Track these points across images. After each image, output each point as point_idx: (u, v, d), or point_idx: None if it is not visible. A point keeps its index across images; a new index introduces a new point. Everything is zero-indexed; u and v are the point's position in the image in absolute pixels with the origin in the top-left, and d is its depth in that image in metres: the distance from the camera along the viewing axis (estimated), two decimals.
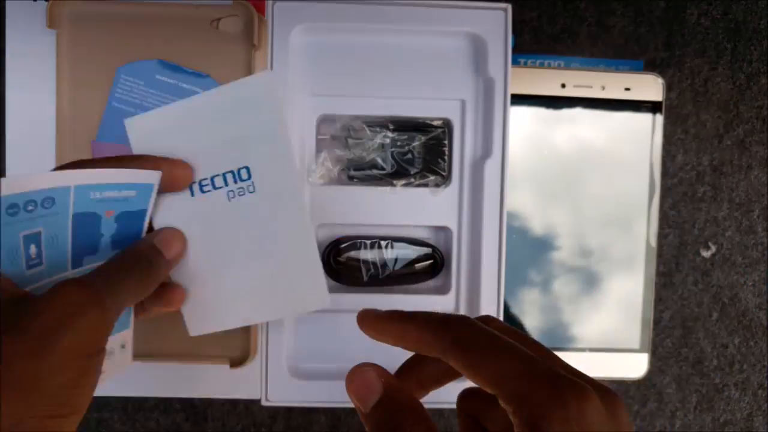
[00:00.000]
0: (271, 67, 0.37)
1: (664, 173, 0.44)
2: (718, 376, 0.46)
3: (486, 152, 0.39)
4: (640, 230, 0.43)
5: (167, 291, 0.29)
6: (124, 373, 0.28)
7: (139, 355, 0.38)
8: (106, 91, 0.38)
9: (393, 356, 0.41)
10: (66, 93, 0.38)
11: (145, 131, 0.29)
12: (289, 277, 0.30)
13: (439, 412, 0.44)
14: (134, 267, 0.25)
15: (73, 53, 0.38)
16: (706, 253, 0.45)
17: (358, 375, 0.22)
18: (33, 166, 0.38)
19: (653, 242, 0.43)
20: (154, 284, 0.26)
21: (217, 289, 0.30)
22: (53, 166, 0.38)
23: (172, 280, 0.30)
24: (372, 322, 0.24)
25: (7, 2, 0.38)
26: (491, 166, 0.38)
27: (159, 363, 0.38)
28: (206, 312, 0.30)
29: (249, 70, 0.38)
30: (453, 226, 0.40)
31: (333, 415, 0.44)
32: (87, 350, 0.21)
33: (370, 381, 0.22)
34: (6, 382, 0.19)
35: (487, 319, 0.22)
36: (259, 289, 0.30)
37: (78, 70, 0.38)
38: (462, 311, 0.40)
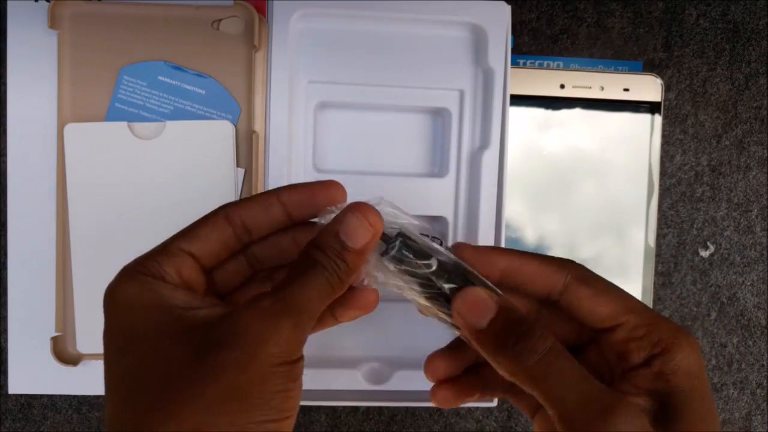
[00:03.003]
0: (270, 52, 0.37)
1: (663, 173, 0.44)
2: (716, 375, 0.46)
3: (484, 143, 0.39)
4: (639, 230, 0.43)
5: (357, 293, 0.25)
6: None
7: None
8: (109, 93, 0.38)
9: (393, 350, 0.41)
10: (68, 94, 0.38)
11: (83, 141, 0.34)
12: None
13: (439, 412, 0.44)
14: (318, 271, 0.22)
15: (74, 54, 0.38)
16: (704, 253, 0.45)
17: (469, 293, 0.23)
18: (34, 168, 0.39)
19: (652, 242, 0.43)
20: (341, 285, 0.23)
21: None
22: (55, 167, 0.38)
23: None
24: (474, 252, 0.25)
25: (8, 3, 0.38)
26: (489, 158, 0.38)
27: None
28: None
29: (250, 71, 0.38)
30: (449, 215, 0.40)
31: (333, 414, 0.44)
32: (288, 358, 0.21)
33: (483, 298, 0.23)
34: (224, 393, 0.20)
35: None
36: None
37: (80, 71, 0.38)
38: None
